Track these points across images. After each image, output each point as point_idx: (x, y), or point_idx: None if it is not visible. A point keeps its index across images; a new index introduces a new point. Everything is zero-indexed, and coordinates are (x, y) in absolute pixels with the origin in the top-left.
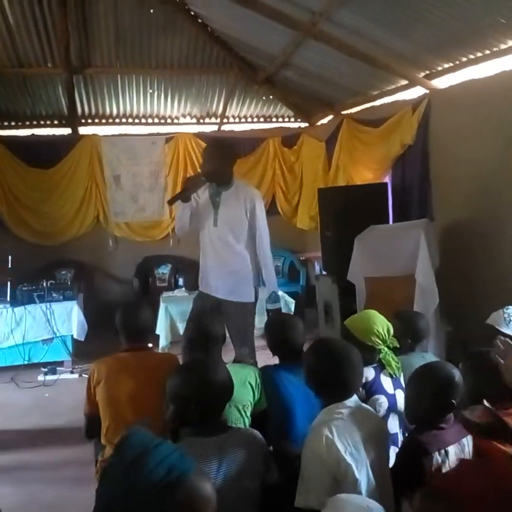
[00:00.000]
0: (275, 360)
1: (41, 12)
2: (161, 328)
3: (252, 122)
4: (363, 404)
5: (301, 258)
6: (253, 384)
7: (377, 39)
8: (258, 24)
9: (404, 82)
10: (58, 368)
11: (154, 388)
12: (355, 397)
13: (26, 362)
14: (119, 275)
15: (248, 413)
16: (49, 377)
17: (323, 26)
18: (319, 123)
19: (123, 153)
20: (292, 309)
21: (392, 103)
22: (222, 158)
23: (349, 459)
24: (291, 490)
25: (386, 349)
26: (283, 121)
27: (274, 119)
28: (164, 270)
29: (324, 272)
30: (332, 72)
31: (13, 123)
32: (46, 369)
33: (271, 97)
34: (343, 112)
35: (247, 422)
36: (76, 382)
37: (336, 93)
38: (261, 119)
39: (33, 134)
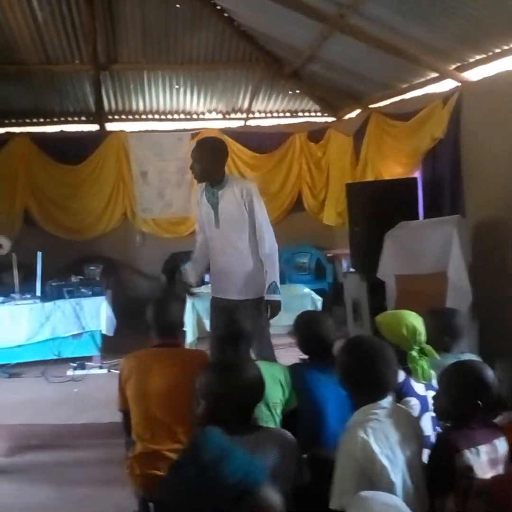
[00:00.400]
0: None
1: (69, 10)
2: (188, 324)
3: (278, 117)
4: (399, 405)
5: (328, 255)
6: (283, 382)
7: (406, 31)
8: (285, 18)
9: (434, 74)
10: (87, 363)
11: (185, 384)
12: (390, 398)
13: (55, 357)
14: (146, 271)
15: (278, 412)
16: (78, 372)
17: (351, 18)
18: (346, 117)
19: (150, 149)
20: (319, 306)
21: (422, 96)
22: (211, 157)
23: (384, 461)
24: (323, 491)
25: (414, 353)
26: (310, 116)
27: (300, 114)
28: None
29: (352, 269)
30: (360, 66)
31: (41, 120)
32: (75, 364)
33: (297, 91)
34: (371, 106)
35: (277, 420)
36: (105, 377)
37: (364, 86)
38: (287, 114)
39: (61, 131)
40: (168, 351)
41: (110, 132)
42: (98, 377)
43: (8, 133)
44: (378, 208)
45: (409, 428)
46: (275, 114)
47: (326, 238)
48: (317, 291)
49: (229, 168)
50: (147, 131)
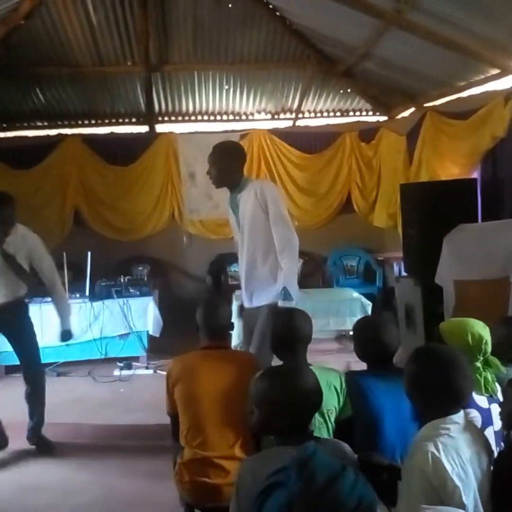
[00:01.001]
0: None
1: (123, 12)
2: (234, 326)
3: (328, 116)
4: (471, 421)
5: (379, 258)
6: (338, 389)
7: (466, 26)
8: (339, 15)
9: (495, 71)
10: (133, 363)
11: (235, 388)
12: (462, 413)
13: (103, 356)
14: (193, 272)
15: (332, 419)
16: (125, 372)
17: (409, 14)
18: (399, 116)
19: (198, 150)
20: (369, 311)
21: (482, 94)
22: (227, 160)
23: (456, 480)
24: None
25: (478, 364)
26: (361, 115)
27: (351, 113)
28: (236, 268)
29: (405, 273)
30: (416, 63)
31: (93, 121)
32: (122, 364)
33: (348, 90)
34: (426, 105)
35: (331, 428)
36: (151, 378)
37: (419, 84)
38: (338, 113)
39: (112, 132)
40: (217, 353)
41: (160, 133)
42: (144, 377)
43: (60, 134)
44: (435, 210)
45: (480, 446)
46: (325, 114)
47: (376, 240)
48: (366, 296)
49: (276, 168)
50: (196, 132)
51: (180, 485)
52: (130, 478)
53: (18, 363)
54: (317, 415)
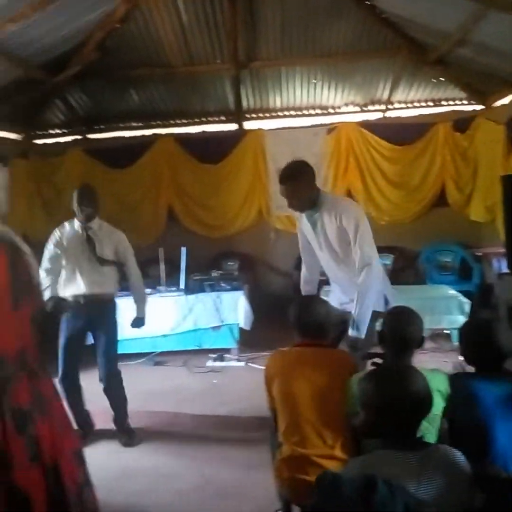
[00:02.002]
0: None
1: (212, 10)
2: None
3: (420, 106)
4: None
5: (477, 254)
6: (443, 392)
7: None
8: (431, 0)
9: None
10: (225, 355)
11: (332, 387)
12: None
13: (196, 348)
14: (280, 267)
15: (438, 424)
16: (217, 364)
17: None
18: (497, 104)
19: (286, 146)
20: (467, 310)
21: None
22: (303, 186)
23: None
24: None
25: None
26: (455, 104)
27: (444, 103)
28: None
29: (507, 270)
30: None
31: (184, 121)
32: (214, 356)
33: (441, 79)
34: None
35: (437, 434)
36: (243, 370)
37: None
38: (430, 103)
39: (203, 131)
40: (313, 351)
41: (248, 130)
42: (236, 369)
43: (154, 134)
44: None
45: None
46: (416, 104)
47: (473, 235)
48: (462, 293)
49: (366, 162)
50: (283, 128)
51: (279, 481)
52: (226, 468)
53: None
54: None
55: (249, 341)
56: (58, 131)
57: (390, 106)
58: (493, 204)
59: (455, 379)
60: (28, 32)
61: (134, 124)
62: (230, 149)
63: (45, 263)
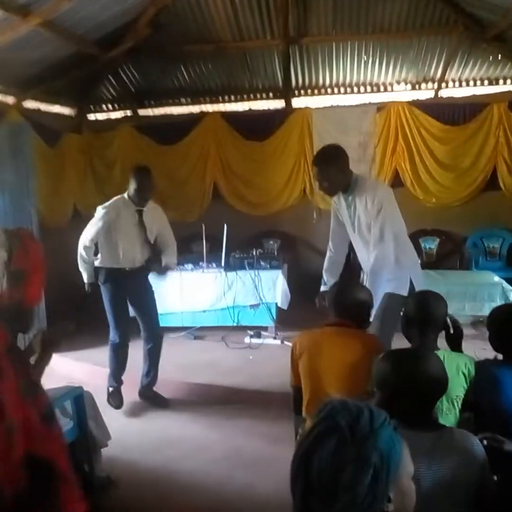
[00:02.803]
0: None
1: None
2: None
3: (475, 85)
4: None
5: None
6: (467, 375)
7: None
8: None
9: None
10: (262, 333)
11: (358, 367)
12: None
13: (235, 324)
14: (321, 248)
15: (459, 405)
16: (254, 341)
17: None
18: None
19: (333, 125)
20: (510, 298)
21: None
22: (334, 169)
23: None
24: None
25: None
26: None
27: (501, 82)
28: None
29: None
30: None
31: (233, 97)
32: (252, 333)
33: (499, 56)
34: None
35: (457, 414)
36: (278, 348)
37: None
38: (486, 82)
39: (250, 109)
40: (342, 331)
41: (295, 108)
42: (272, 347)
43: (202, 111)
44: None
45: None
46: (471, 83)
47: None
48: (509, 281)
49: (415, 142)
50: (331, 106)
51: None
52: (254, 440)
53: None
54: (444, 400)
55: (286, 320)
56: (110, 106)
57: (443, 85)
58: None
59: (481, 364)
60: (82, 9)
61: (183, 100)
62: (277, 127)
63: (93, 236)
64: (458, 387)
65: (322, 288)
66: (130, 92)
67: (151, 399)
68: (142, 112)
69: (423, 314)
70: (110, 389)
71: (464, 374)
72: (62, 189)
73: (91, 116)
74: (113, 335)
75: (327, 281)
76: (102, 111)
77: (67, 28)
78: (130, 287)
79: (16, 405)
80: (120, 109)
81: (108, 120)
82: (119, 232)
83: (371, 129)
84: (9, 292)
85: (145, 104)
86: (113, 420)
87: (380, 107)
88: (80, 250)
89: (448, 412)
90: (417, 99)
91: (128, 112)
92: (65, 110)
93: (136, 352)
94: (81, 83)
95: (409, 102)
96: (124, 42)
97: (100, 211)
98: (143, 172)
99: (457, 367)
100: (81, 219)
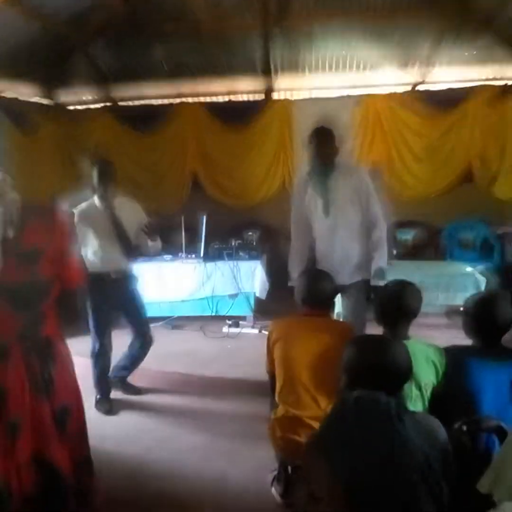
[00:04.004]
0: None
1: None
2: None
3: (455, 81)
4: None
5: (498, 232)
6: (437, 364)
7: None
8: None
9: None
10: (240, 322)
11: (328, 354)
12: None
13: (213, 314)
14: None
15: (429, 393)
16: (232, 330)
17: None
18: None
19: (313, 117)
20: (483, 288)
21: None
22: (334, 140)
23: None
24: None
25: None
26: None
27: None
28: None
29: None
30: None
31: (211, 78)
32: (230, 322)
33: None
34: None
35: (426, 401)
36: (256, 337)
37: None
38: (467, 73)
39: (230, 100)
40: (316, 320)
41: (276, 101)
42: (250, 336)
43: (182, 102)
44: None
45: None
46: (452, 76)
47: (497, 213)
48: (481, 271)
49: (392, 134)
50: (311, 99)
51: (272, 439)
52: (230, 428)
53: None
54: (413, 387)
55: (264, 309)
56: (82, 86)
57: (430, 68)
58: None
59: (450, 352)
60: None
61: (159, 81)
62: (257, 119)
63: None
64: (427, 375)
65: (290, 283)
66: (104, 73)
67: (125, 389)
68: (117, 93)
69: (396, 304)
70: (98, 396)
71: (434, 363)
72: (39, 179)
73: (68, 105)
74: (93, 343)
75: (293, 274)
76: (74, 93)
77: (33, 7)
78: (116, 296)
79: (24, 401)
80: (94, 91)
81: (86, 110)
82: (94, 231)
83: (350, 122)
84: (22, 270)
85: (120, 85)
86: (87, 410)
87: (359, 100)
88: None
89: (417, 399)
90: (395, 92)
91: (107, 103)
92: (33, 92)
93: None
94: (51, 64)
95: (386, 96)
96: (96, 20)
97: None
98: (101, 162)
99: (427, 356)
100: None
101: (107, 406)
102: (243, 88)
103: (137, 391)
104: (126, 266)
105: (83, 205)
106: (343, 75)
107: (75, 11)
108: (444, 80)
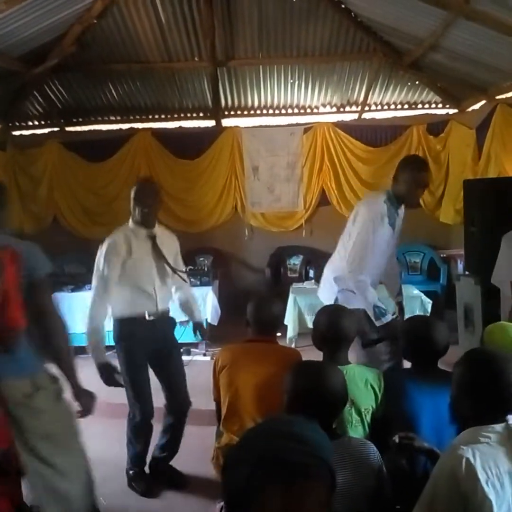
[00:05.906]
0: None
1: (190, 9)
2: (289, 319)
3: (395, 109)
4: None
5: (442, 256)
6: (377, 388)
7: None
8: (405, 6)
9: None
10: (192, 350)
11: (275, 381)
12: (505, 423)
13: None
14: (253, 264)
15: (369, 418)
16: (184, 358)
17: (477, 3)
18: (470, 109)
19: (262, 144)
20: (429, 310)
21: None
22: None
23: (489, 490)
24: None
25: None
26: (429, 108)
27: (419, 106)
28: (295, 261)
29: (466, 272)
30: (486, 54)
31: (162, 116)
32: (181, 350)
33: (416, 82)
34: (497, 97)
35: (367, 426)
36: (208, 364)
37: (490, 76)
38: (405, 106)
39: (180, 126)
40: (262, 346)
41: (226, 127)
42: (201, 363)
43: (132, 128)
44: (499, 207)
45: None
46: (392, 107)
47: (442, 237)
48: (429, 293)
49: (340, 162)
50: (260, 126)
51: (216, 468)
52: (184, 459)
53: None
54: (353, 412)
55: (216, 336)
56: (36, 122)
57: (366, 108)
58: (462, 207)
59: (388, 375)
60: (5, 25)
61: (112, 118)
62: (207, 145)
63: (109, 283)
64: (367, 400)
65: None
66: (57, 109)
67: (164, 474)
68: (70, 128)
69: (333, 330)
70: (131, 472)
71: (372, 387)
72: None
73: (17, 132)
74: (132, 410)
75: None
76: (28, 128)
77: None
78: (152, 344)
79: None
80: (46, 126)
81: (34, 136)
82: (133, 267)
83: (299, 150)
84: None
85: (72, 121)
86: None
87: (307, 128)
88: (92, 314)
89: (358, 424)
90: (342, 120)
91: (55, 129)
92: None
93: None
94: (5, 99)
95: (334, 123)
96: (50, 59)
97: (108, 245)
98: (145, 184)
99: (366, 381)
100: None
101: (144, 485)
102: (194, 125)
103: (183, 481)
104: (165, 306)
105: (119, 231)
106: (287, 116)
107: (30, 50)
108: (380, 117)
